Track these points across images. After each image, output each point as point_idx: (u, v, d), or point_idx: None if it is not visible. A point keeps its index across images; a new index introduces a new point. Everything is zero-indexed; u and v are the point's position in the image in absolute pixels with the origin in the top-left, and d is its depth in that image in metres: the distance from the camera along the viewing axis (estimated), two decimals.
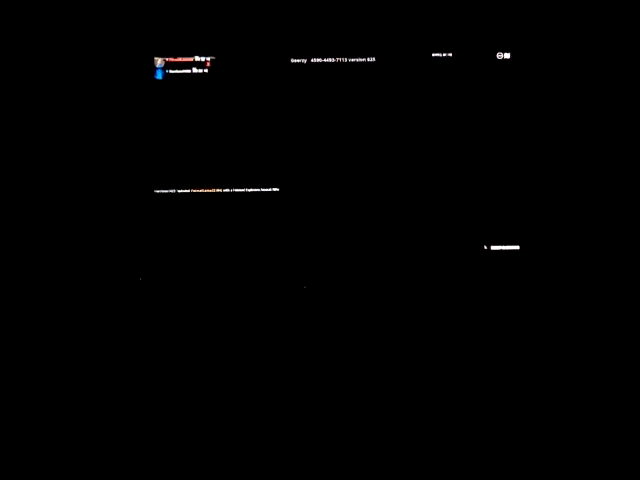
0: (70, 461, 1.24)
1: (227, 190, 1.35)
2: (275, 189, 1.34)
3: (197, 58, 1.33)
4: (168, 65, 1.33)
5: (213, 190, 1.34)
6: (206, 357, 1.32)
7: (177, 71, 1.33)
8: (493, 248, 1.35)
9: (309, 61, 1.34)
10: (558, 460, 1.26)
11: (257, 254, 1.35)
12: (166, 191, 1.33)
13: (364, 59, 1.34)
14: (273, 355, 1.33)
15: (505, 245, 1.35)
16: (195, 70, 1.33)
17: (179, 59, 1.33)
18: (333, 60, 1.34)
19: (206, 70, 1.33)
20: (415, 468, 1.26)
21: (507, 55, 1.33)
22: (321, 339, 1.33)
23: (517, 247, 1.35)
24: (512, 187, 1.34)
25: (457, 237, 1.34)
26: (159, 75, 1.32)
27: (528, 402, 1.30)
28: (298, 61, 1.34)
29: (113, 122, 1.33)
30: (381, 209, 1.35)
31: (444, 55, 1.34)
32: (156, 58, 1.33)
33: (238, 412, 1.29)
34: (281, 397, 1.30)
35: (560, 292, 1.34)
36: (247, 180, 1.34)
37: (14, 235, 1.30)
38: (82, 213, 1.32)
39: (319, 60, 1.34)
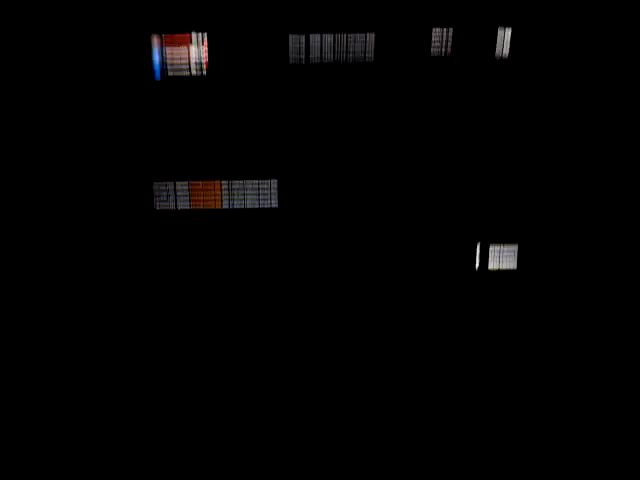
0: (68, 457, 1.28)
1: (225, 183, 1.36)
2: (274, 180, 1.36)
3: (194, 62, 1.32)
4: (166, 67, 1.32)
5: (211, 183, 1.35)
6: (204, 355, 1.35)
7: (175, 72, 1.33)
8: (492, 249, 1.37)
9: (307, 60, 1.33)
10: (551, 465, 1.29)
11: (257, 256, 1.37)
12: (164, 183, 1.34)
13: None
14: (271, 351, 1.37)
15: (504, 244, 1.38)
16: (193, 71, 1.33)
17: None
18: (331, 58, 1.33)
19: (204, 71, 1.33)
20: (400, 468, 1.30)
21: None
22: (318, 335, 1.36)
23: (516, 246, 1.37)
24: (512, 187, 1.35)
25: (456, 237, 1.36)
26: (157, 76, 1.32)
27: (523, 410, 1.32)
28: (296, 58, 1.33)
29: (113, 118, 1.33)
30: (379, 211, 1.36)
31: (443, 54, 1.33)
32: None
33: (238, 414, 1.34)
34: (278, 402, 1.34)
35: (558, 296, 1.36)
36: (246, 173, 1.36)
37: (13, 227, 1.32)
38: (84, 208, 1.33)
39: (317, 60, 1.33)
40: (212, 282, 1.33)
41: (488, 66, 1.32)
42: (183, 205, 1.34)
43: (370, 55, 1.33)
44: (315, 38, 1.33)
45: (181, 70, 1.34)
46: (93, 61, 1.32)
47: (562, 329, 1.32)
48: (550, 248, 1.33)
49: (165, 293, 1.33)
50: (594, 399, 1.29)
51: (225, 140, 1.36)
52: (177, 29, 1.30)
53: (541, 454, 1.29)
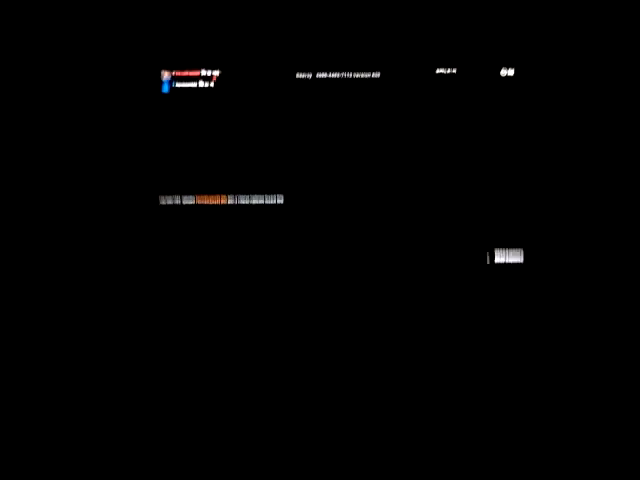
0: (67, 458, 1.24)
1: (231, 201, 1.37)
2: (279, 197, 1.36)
3: (203, 72, 1.34)
4: (175, 79, 1.35)
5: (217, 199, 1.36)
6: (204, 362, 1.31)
7: (184, 84, 1.35)
8: (497, 254, 1.35)
9: (314, 76, 1.35)
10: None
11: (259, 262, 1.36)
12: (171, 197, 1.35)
13: (369, 74, 1.36)
14: (271, 361, 1.31)
15: (509, 248, 1.35)
16: (202, 84, 1.35)
17: (186, 73, 1.34)
18: (338, 75, 1.35)
19: (212, 84, 1.35)
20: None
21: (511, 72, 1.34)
22: (322, 348, 1.33)
23: (520, 251, 1.35)
24: (516, 192, 1.35)
25: (462, 245, 1.35)
26: (166, 89, 1.34)
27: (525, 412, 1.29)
28: (303, 76, 1.35)
29: (121, 131, 1.34)
30: (385, 220, 1.36)
31: (448, 72, 1.35)
32: (163, 72, 1.34)
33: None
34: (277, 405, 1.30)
35: (562, 300, 1.33)
36: (252, 188, 1.37)
37: (16, 237, 1.31)
38: (87, 219, 1.33)
39: (324, 75, 1.35)
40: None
41: (494, 81, 1.35)
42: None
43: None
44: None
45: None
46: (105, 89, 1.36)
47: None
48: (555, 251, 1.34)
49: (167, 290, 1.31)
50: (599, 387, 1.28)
51: (230, 155, 1.38)
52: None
53: (546, 449, 1.26)
